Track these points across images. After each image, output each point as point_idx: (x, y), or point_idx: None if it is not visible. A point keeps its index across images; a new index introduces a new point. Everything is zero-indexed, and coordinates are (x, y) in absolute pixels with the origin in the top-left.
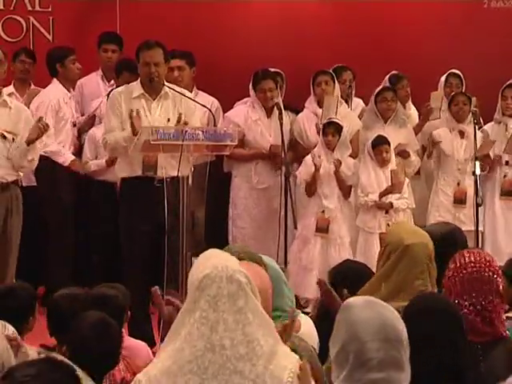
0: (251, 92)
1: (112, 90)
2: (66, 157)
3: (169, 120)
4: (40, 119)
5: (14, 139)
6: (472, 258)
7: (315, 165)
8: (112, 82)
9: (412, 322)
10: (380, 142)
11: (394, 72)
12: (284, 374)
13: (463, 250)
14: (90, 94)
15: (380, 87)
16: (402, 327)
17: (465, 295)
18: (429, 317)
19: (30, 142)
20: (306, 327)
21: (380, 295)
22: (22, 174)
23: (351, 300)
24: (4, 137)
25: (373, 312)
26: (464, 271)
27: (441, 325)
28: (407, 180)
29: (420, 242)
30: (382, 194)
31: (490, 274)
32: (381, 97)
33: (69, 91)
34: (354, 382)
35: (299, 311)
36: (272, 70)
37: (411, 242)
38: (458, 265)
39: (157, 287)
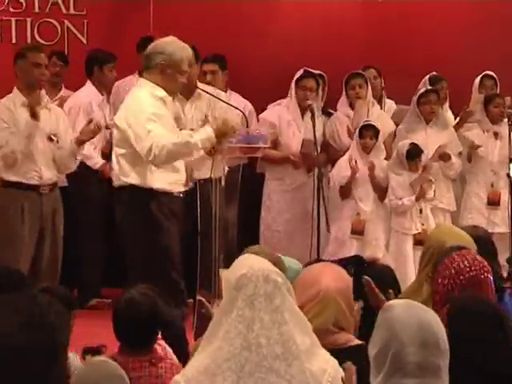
0: (291, 89)
1: None
2: (97, 160)
3: (202, 121)
4: (91, 121)
5: (57, 141)
6: (466, 263)
7: (353, 169)
8: None
9: (456, 323)
10: (415, 154)
11: (433, 73)
12: (322, 377)
13: (452, 254)
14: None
15: (423, 89)
16: (442, 333)
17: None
18: (473, 319)
19: (80, 143)
20: None
21: (421, 298)
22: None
23: (392, 302)
24: (51, 139)
25: (413, 315)
26: (461, 277)
27: (486, 327)
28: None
29: (458, 246)
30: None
31: (485, 274)
32: (424, 99)
33: (102, 94)
34: None
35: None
36: (316, 71)
37: (452, 245)
38: (454, 271)
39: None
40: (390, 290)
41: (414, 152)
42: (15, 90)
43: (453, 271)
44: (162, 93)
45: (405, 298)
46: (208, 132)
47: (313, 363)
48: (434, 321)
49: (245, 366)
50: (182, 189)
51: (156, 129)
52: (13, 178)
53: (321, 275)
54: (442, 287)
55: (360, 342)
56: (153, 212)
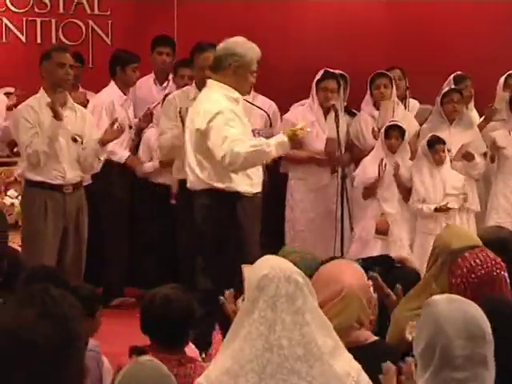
0: (312, 90)
1: (168, 94)
2: (122, 154)
3: None
4: (115, 121)
5: (82, 142)
6: (478, 261)
7: (380, 172)
8: (164, 84)
9: None
10: (436, 142)
11: (458, 72)
12: (346, 379)
13: (464, 253)
14: (143, 97)
15: (446, 88)
16: (486, 324)
17: (477, 300)
18: (495, 319)
19: (103, 144)
20: None
21: (422, 300)
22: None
23: (435, 297)
24: (75, 140)
25: (458, 309)
26: (473, 275)
27: (508, 326)
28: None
29: (467, 246)
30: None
31: (498, 271)
32: (447, 98)
33: (125, 94)
34: (439, 382)
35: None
36: (337, 71)
37: (458, 247)
38: (465, 270)
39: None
40: (398, 285)
41: (435, 140)
42: (41, 90)
43: (465, 270)
44: (235, 94)
45: (412, 298)
46: (282, 138)
47: (335, 365)
48: (478, 313)
49: (267, 367)
50: (260, 189)
51: (232, 135)
52: (37, 177)
53: (341, 273)
54: (456, 287)
55: (377, 338)
56: (235, 214)
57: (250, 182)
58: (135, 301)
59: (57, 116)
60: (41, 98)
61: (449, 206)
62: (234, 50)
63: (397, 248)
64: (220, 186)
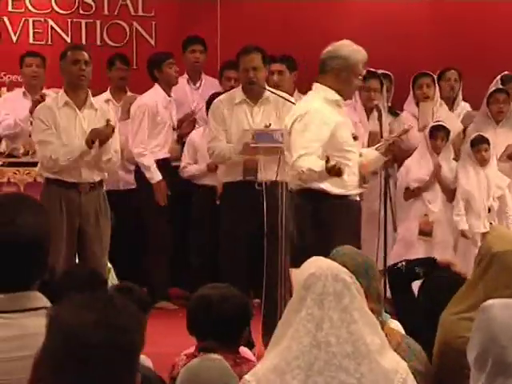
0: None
1: (213, 95)
2: (155, 175)
3: (270, 125)
4: (108, 122)
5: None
6: None
7: (437, 174)
8: (198, 84)
9: None
10: (479, 141)
11: (505, 72)
12: (394, 376)
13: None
14: (178, 98)
15: (492, 88)
16: None
17: None
18: None
19: (101, 144)
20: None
21: (467, 304)
22: (106, 174)
23: (490, 302)
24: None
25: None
26: None
27: None
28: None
29: (510, 249)
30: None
31: None
32: (493, 98)
33: (169, 95)
34: None
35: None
36: (380, 71)
37: (500, 250)
38: None
39: None
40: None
41: (478, 139)
42: (61, 90)
43: None
44: (335, 96)
45: (457, 302)
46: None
47: (383, 362)
48: None
49: (314, 364)
50: (358, 191)
51: (303, 142)
52: (53, 175)
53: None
54: None
55: None
56: (329, 216)
57: (342, 184)
58: (177, 308)
59: (88, 144)
60: (59, 98)
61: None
62: (338, 52)
63: (440, 250)
64: (313, 186)
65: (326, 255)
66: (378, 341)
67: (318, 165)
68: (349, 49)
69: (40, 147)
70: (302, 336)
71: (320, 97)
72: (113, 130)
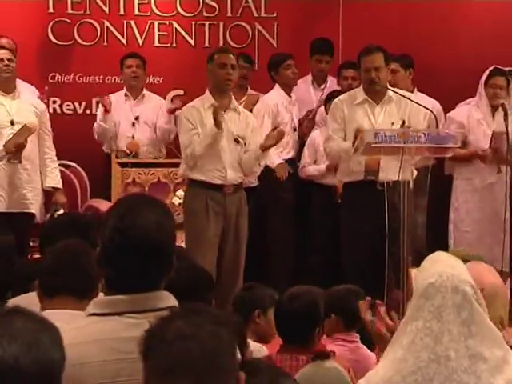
0: (480, 88)
1: (331, 94)
2: (274, 160)
3: (392, 124)
4: (276, 127)
5: (245, 144)
6: None
7: None
8: (322, 86)
9: None
10: None
11: None
12: None
13: None
14: (300, 98)
15: None
16: None
17: None
18: None
19: (265, 148)
20: None
21: None
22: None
23: None
24: (237, 141)
25: None
26: None
27: None
28: None
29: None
30: None
31: None
32: None
33: (289, 96)
34: None
35: None
36: (507, 69)
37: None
38: None
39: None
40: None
41: None
42: (207, 92)
43: None
44: None
45: None
46: None
47: (503, 377)
48: None
49: (433, 379)
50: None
51: None
52: (199, 177)
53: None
54: None
55: None
56: None
57: None
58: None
59: (217, 125)
60: (205, 100)
61: None
62: None
63: None
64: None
65: None
66: (500, 353)
67: None
68: None
69: (184, 148)
70: (419, 350)
71: None
72: (281, 137)
